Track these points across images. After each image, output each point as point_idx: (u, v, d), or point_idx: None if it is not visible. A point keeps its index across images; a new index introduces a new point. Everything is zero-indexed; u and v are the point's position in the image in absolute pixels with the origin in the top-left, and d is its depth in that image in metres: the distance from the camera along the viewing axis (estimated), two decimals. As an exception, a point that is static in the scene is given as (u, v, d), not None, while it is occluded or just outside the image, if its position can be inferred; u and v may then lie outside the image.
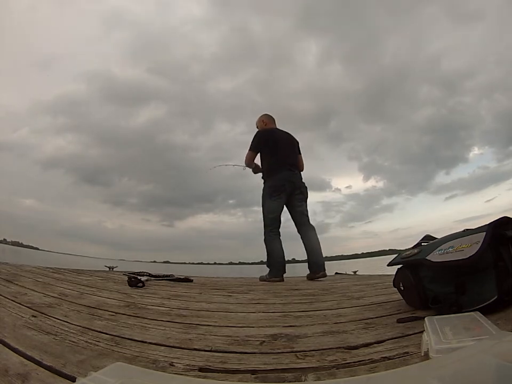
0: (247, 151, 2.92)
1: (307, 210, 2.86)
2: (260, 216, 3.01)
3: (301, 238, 2.78)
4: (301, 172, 2.98)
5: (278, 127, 3.09)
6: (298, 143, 3.05)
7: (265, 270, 2.78)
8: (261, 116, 3.12)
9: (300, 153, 3.03)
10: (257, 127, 3.08)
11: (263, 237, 2.78)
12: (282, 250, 2.75)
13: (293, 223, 2.84)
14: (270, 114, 3.15)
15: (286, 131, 3.04)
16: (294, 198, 2.79)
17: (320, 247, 2.76)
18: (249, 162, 2.91)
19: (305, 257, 2.77)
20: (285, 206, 2.82)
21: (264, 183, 2.89)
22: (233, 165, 3.38)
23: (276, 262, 2.69)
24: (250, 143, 2.91)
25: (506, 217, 0.80)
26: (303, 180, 2.91)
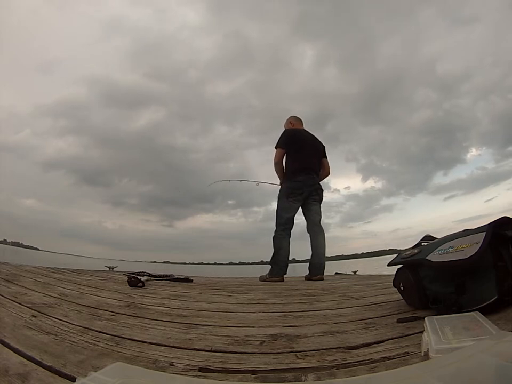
0: (274, 150, 2.90)
1: (320, 211, 2.90)
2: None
3: (310, 237, 2.82)
4: (327, 176, 3.04)
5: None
6: (324, 147, 3.07)
7: (265, 270, 2.79)
8: (289, 118, 3.16)
9: (326, 157, 3.06)
10: (285, 129, 3.09)
11: (273, 234, 2.80)
12: (289, 251, 2.77)
13: (295, 223, 2.86)
14: (298, 116, 3.18)
15: (313, 134, 3.06)
16: (309, 199, 2.83)
17: (325, 251, 2.79)
18: (279, 160, 2.89)
19: (306, 258, 2.81)
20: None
21: (282, 183, 2.91)
22: (241, 180, 3.45)
23: (280, 261, 2.71)
24: (277, 141, 2.91)
25: (506, 217, 0.80)
26: (319, 183, 2.94)
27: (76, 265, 3.75)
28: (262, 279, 2.71)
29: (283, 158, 2.89)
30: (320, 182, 2.97)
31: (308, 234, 2.84)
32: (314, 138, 3.04)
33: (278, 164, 2.90)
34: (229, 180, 3.60)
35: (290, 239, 2.79)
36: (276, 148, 2.90)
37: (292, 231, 2.81)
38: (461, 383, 0.35)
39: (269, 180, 3.10)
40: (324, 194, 2.94)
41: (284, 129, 3.08)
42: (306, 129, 3.09)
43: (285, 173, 2.89)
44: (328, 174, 3.06)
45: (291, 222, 2.80)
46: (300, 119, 3.15)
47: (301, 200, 2.81)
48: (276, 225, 2.80)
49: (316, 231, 2.82)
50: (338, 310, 1.14)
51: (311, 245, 2.79)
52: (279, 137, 2.93)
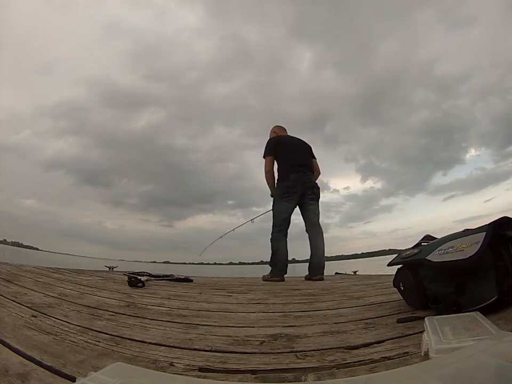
0: (264, 160, 2.94)
1: (319, 210, 2.89)
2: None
3: (309, 237, 2.81)
4: (318, 176, 3.03)
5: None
6: (310, 147, 3.08)
7: (264, 270, 2.80)
8: (273, 127, 3.21)
9: (315, 158, 3.07)
10: (269, 138, 3.13)
11: (270, 236, 2.80)
12: (287, 251, 2.78)
13: (292, 224, 2.86)
14: (282, 125, 3.23)
15: (297, 137, 3.10)
16: (305, 198, 2.82)
17: (324, 251, 2.78)
18: (270, 169, 2.93)
19: (306, 258, 2.80)
20: (297, 206, 2.86)
21: (276, 184, 2.92)
22: (234, 229, 3.53)
23: (279, 262, 2.72)
24: (264, 151, 2.96)
25: (506, 217, 0.80)
26: (315, 182, 2.94)
27: (76, 265, 3.75)
28: (265, 278, 2.72)
29: (273, 165, 2.93)
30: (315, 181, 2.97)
31: (307, 234, 2.84)
32: (300, 139, 3.08)
33: (269, 172, 2.94)
34: (221, 236, 3.58)
35: (290, 239, 2.80)
36: (264, 157, 2.94)
37: (290, 231, 2.82)
38: (461, 383, 0.35)
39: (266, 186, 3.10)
40: (320, 192, 2.92)
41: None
42: (293, 136, 3.12)
43: (278, 177, 2.91)
44: (319, 174, 3.06)
45: (287, 222, 2.80)
46: (284, 128, 3.21)
47: (295, 198, 2.80)
48: (272, 227, 2.81)
49: (314, 231, 2.81)
50: (338, 310, 1.14)
51: (310, 245, 2.78)
52: (264, 147, 2.97)
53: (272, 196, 2.97)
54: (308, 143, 3.09)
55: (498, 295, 0.75)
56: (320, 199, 2.92)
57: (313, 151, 3.08)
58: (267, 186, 2.97)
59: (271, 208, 2.94)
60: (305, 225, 2.84)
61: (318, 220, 2.87)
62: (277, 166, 2.92)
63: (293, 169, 2.82)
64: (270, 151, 2.92)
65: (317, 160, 3.07)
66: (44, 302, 1.16)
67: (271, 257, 2.76)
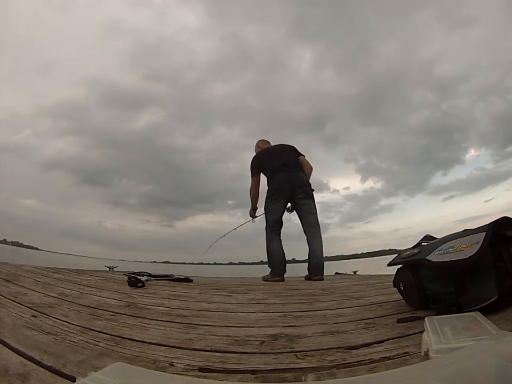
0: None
1: (315, 208, 2.84)
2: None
3: (306, 239, 2.78)
4: (311, 171, 2.98)
5: (272, 137, 3.29)
6: (293, 146, 3.09)
7: (264, 270, 2.81)
8: (257, 142, 3.26)
9: (302, 155, 3.05)
10: (255, 153, 3.20)
11: (265, 238, 2.83)
12: (283, 250, 2.78)
13: (292, 224, 2.90)
14: (266, 139, 3.29)
15: (279, 143, 3.16)
16: (296, 198, 2.80)
17: (322, 252, 2.76)
18: (255, 191, 3.01)
19: (305, 258, 2.80)
20: (295, 210, 2.87)
21: (254, 209, 3.05)
22: (236, 228, 3.49)
23: (276, 262, 2.73)
24: (250, 170, 3.03)
25: (506, 217, 0.80)
26: (305, 180, 2.88)
27: (76, 265, 3.75)
28: (265, 278, 2.72)
29: (258, 185, 3.01)
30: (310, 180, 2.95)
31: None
32: (281, 144, 3.14)
33: (254, 194, 3.02)
34: (224, 235, 3.58)
35: (290, 240, 2.83)
36: (252, 176, 3.01)
37: (289, 232, 2.89)
38: (461, 383, 0.35)
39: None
40: (312, 189, 2.87)
41: (272, 139, 3.22)
42: (276, 133, 3.24)
43: (267, 181, 2.95)
44: (311, 168, 2.99)
45: (277, 223, 2.82)
46: (267, 141, 3.25)
47: (285, 199, 2.81)
48: (265, 228, 2.85)
49: (312, 232, 2.77)
50: (338, 310, 1.14)
51: (309, 246, 2.76)
52: (250, 167, 3.03)
53: (252, 210, 3.07)
54: (290, 144, 3.11)
55: (498, 295, 0.75)
56: (314, 197, 2.87)
57: (301, 150, 3.06)
58: (265, 185, 3.01)
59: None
60: (302, 226, 2.80)
61: (316, 219, 2.81)
62: (265, 176, 2.98)
63: (279, 170, 2.84)
64: (255, 169, 3.01)
65: (306, 157, 3.03)
66: (44, 302, 1.16)
67: (267, 258, 2.78)
